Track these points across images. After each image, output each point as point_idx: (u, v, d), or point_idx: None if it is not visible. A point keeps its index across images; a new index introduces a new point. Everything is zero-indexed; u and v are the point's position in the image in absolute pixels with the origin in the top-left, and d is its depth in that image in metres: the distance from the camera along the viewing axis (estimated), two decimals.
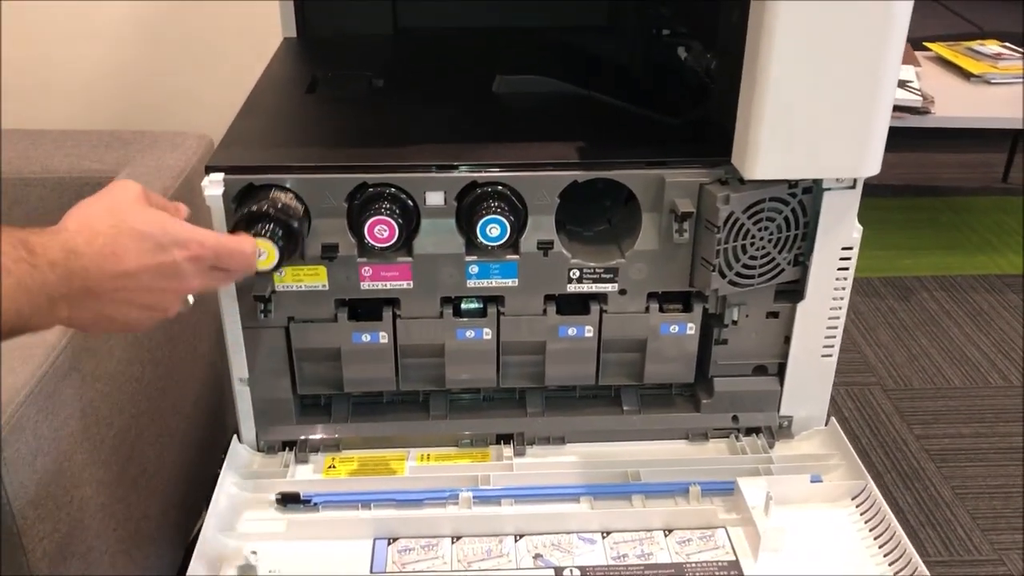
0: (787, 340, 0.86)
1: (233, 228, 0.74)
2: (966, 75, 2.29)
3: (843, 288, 0.84)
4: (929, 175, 2.75)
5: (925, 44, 2.44)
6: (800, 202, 0.79)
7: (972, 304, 2.15)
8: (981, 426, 1.76)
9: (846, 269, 0.83)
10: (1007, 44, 2.44)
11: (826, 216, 0.80)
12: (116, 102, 1.45)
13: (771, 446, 0.88)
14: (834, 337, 0.86)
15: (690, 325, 0.85)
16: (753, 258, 0.80)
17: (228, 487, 0.82)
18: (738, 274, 0.80)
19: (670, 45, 0.97)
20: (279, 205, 0.74)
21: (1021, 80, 2.24)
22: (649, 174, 0.78)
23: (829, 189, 0.79)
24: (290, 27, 1.11)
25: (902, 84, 2.13)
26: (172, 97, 1.47)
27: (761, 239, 0.80)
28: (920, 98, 2.08)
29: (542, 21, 1.16)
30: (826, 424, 0.89)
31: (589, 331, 0.84)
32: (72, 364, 0.92)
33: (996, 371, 1.92)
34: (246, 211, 0.73)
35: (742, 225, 0.78)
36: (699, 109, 0.88)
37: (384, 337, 0.83)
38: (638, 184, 0.79)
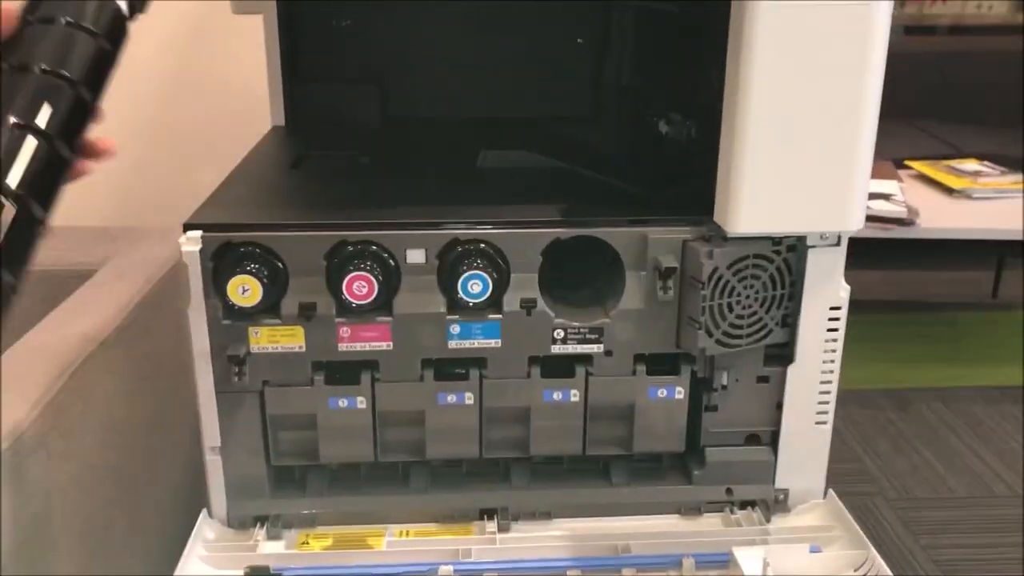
0: (779, 407, 0.84)
1: (216, 266, 0.74)
2: (948, 190, 2.33)
3: (834, 351, 0.82)
4: (920, 292, 2.76)
5: (906, 163, 2.50)
6: (785, 260, 0.79)
7: (971, 415, 2.11)
8: (991, 536, 1.69)
9: (836, 330, 0.81)
10: (986, 163, 2.50)
11: (812, 275, 0.79)
12: (108, 198, 1.47)
13: (767, 519, 0.84)
14: (827, 403, 0.84)
15: (678, 389, 0.82)
16: (740, 317, 0.79)
17: (193, 562, 0.77)
18: (725, 333, 0.79)
19: (651, 123, 0.99)
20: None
21: (1002, 195, 2.28)
22: (632, 232, 0.78)
23: (814, 247, 0.79)
24: (279, 116, 1.13)
25: (886, 197, 2.17)
26: (164, 191, 1.49)
27: (747, 297, 0.78)
28: (905, 210, 2.11)
29: (530, 112, 1.18)
30: (824, 496, 0.86)
31: (575, 395, 0.81)
32: (39, 441, 0.89)
33: (1001, 481, 1.87)
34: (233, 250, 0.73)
35: (727, 282, 0.77)
36: (682, 182, 0.89)
37: (362, 402, 0.80)
38: (621, 242, 0.78)
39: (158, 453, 1.13)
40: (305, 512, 0.83)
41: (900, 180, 2.37)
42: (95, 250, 1.27)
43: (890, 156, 2.54)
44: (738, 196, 0.74)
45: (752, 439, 0.85)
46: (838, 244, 0.79)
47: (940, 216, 2.20)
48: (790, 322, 0.81)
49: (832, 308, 0.81)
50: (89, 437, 0.98)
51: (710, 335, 0.78)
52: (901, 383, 2.24)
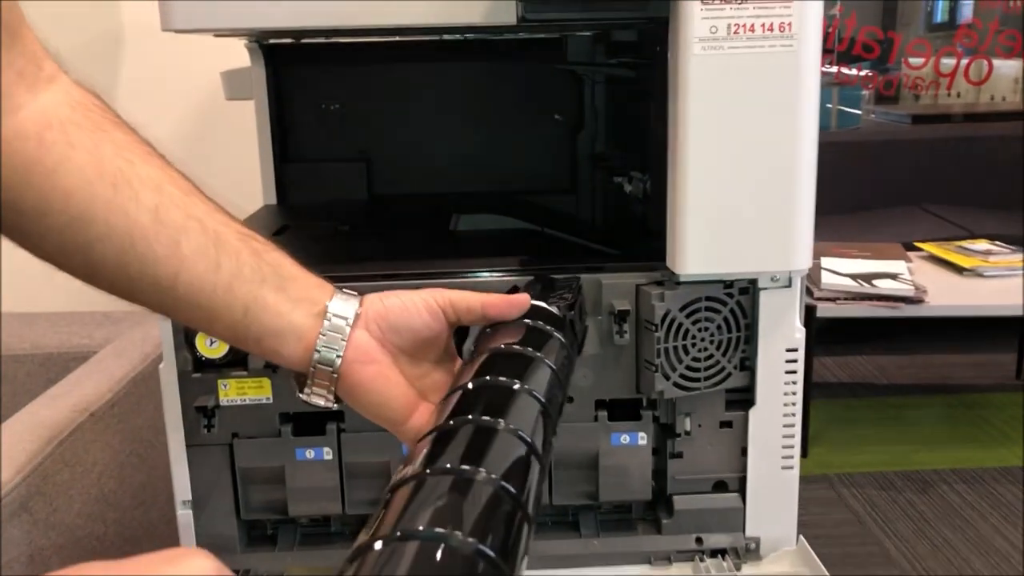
0: (744, 452, 0.84)
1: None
2: (958, 270, 2.32)
3: (794, 393, 0.82)
4: (941, 375, 2.72)
5: (916, 245, 2.51)
6: (738, 302, 0.80)
7: (996, 496, 2.05)
8: None
9: (794, 372, 0.82)
10: (997, 243, 2.49)
11: (766, 317, 0.80)
12: None
13: (738, 568, 0.83)
14: (792, 447, 0.83)
15: (641, 435, 0.83)
16: (696, 360, 0.80)
17: None
18: (683, 376, 0.80)
19: (618, 185, 1.02)
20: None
21: (1014, 273, 2.27)
22: (586, 278, 0.80)
23: (765, 288, 0.80)
24: (270, 195, 1.18)
25: (893, 276, 2.17)
26: None
27: (702, 340, 0.80)
28: (912, 288, 2.11)
29: (509, 186, 1.22)
30: (796, 543, 0.84)
31: None
32: (22, 504, 0.91)
33: None
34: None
35: (680, 324, 0.79)
36: (642, 236, 0.91)
37: (328, 453, 0.82)
38: None
39: (146, 530, 1.14)
40: (276, 567, 0.84)
41: (909, 260, 2.37)
42: (97, 332, 1.31)
43: (900, 239, 2.55)
44: (684, 239, 0.76)
45: (720, 486, 0.85)
46: (789, 286, 0.80)
47: (951, 294, 2.19)
48: (749, 365, 0.82)
49: (789, 350, 0.81)
50: (76, 506, 1.00)
51: (667, 378, 0.79)
52: (921, 465, 2.19)
